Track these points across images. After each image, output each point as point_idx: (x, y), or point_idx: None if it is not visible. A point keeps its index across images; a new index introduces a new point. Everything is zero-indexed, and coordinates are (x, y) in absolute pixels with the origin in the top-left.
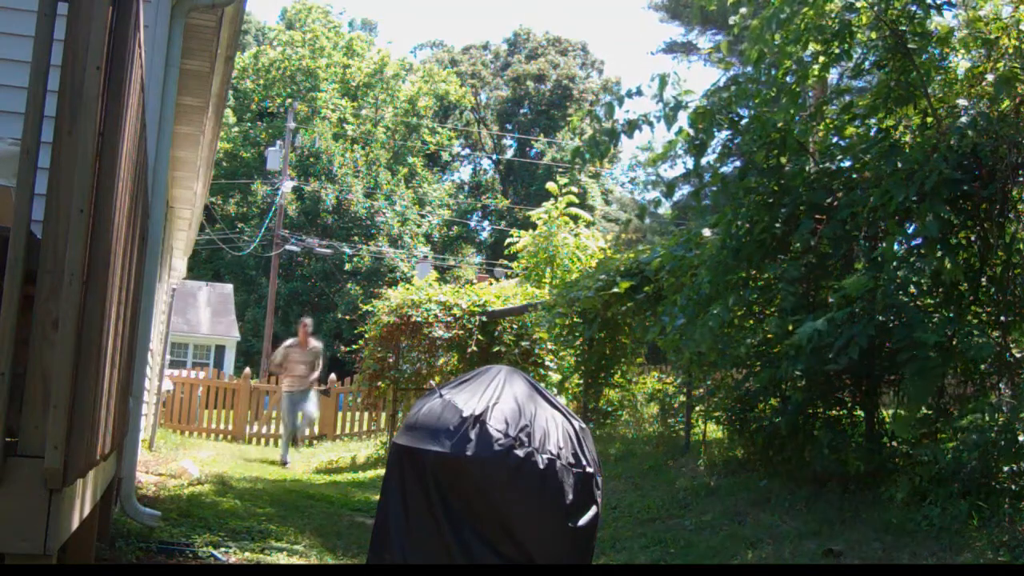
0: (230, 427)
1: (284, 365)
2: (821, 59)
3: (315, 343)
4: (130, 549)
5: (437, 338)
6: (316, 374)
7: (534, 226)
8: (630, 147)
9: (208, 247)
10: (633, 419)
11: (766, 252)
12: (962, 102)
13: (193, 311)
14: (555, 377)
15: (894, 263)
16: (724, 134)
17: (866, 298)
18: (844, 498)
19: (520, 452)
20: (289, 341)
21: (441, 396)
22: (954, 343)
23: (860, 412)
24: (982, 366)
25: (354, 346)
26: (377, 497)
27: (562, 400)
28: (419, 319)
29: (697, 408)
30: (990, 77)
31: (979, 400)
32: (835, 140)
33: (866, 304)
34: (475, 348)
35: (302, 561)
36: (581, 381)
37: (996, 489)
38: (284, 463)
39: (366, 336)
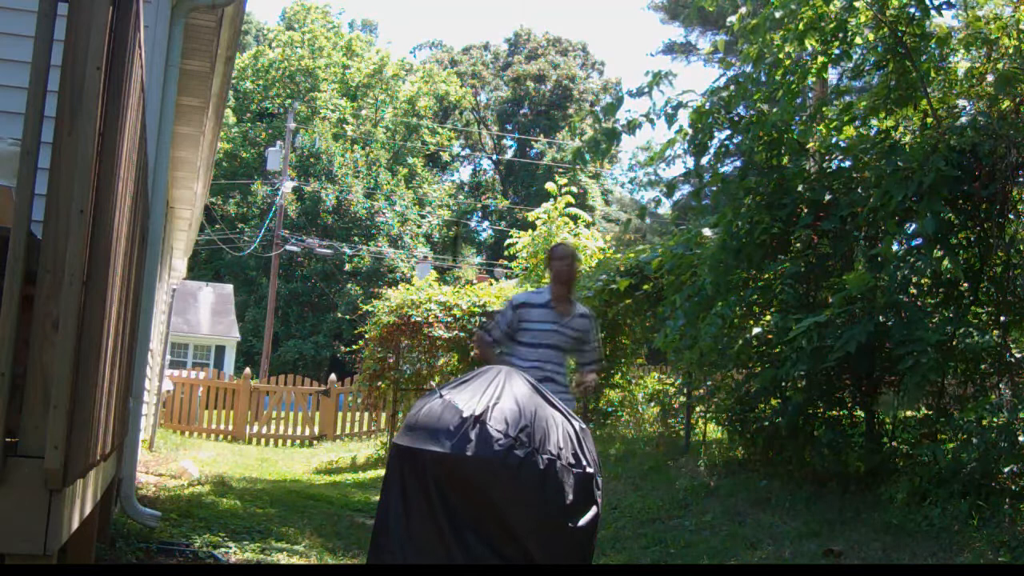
0: (230, 427)
1: (501, 342)
2: (820, 59)
3: (583, 308)
4: (130, 549)
5: (437, 338)
6: (590, 377)
7: (533, 226)
8: (630, 147)
9: (208, 247)
10: (633, 419)
11: (766, 252)
12: (962, 102)
13: (193, 311)
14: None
15: (894, 263)
16: (724, 134)
17: (866, 297)
18: (844, 498)
19: (520, 452)
20: (523, 295)
21: (441, 396)
22: (954, 343)
23: (860, 412)
24: (982, 366)
25: (354, 346)
26: (377, 497)
27: None
28: (419, 319)
29: (697, 408)
30: (990, 77)
31: (979, 400)
32: (835, 140)
33: (866, 303)
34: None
35: (302, 561)
36: None
37: (996, 489)
38: None
39: (366, 336)
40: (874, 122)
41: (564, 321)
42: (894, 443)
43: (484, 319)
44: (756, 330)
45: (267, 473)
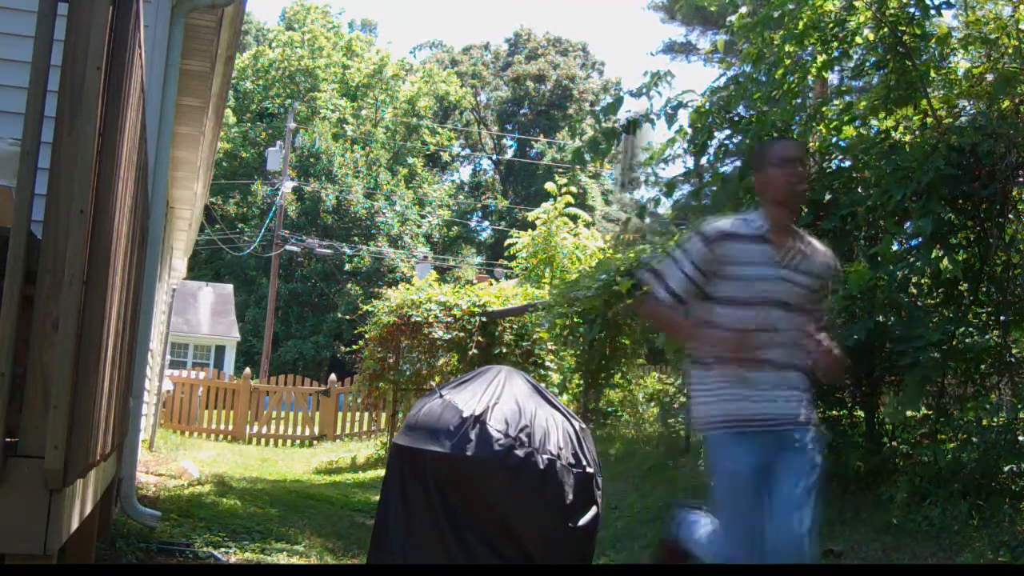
0: (230, 427)
1: (687, 301)
2: (820, 58)
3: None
4: (130, 549)
5: (437, 338)
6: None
7: (533, 226)
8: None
9: (208, 247)
10: (633, 419)
11: None
12: (962, 102)
13: (193, 311)
14: (555, 377)
15: (893, 263)
16: (724, 134)
17: (866, 296)
18: (844, 498)
19: (520, 452)
20: (723, 223)
21: (441, 396)
22: (954, 343)
23: (860, 412)
24: (982, 366)
25: (354, 346)
26: (377, 497)
27: (562, 400)
28: (419, 319)
29: None
30: (990, 77)
31: (979, 400)
32: (835, 140)
33: (866, 302)
34: (476, 350)
35: (302, 561)
36: (581, 381)
37: (996, 489)
38: None
39: (366, 336)
40: (874, 122)
41: (796, 263)
42: (894, 443)
43: (484, 319)
44: None
45: (267, 473)
